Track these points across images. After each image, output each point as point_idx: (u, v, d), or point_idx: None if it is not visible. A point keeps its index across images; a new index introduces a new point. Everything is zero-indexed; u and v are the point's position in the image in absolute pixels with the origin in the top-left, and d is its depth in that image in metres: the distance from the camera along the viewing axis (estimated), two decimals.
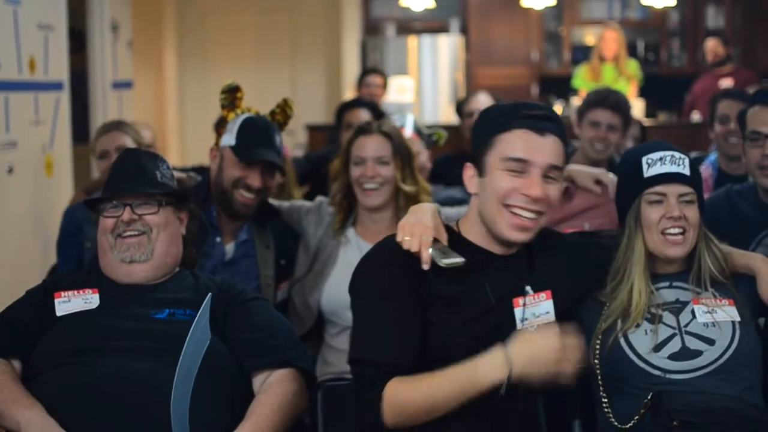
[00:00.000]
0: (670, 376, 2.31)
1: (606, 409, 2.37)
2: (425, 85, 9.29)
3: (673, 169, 2.41)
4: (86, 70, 6.68)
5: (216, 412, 2.32)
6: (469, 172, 2.31)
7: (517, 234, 2.23)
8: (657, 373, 2.32)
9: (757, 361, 2.39)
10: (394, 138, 3.23)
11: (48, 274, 4.08)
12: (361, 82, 7.16)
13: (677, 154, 2.43)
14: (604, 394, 2.38)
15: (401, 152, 3.22)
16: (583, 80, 7.96)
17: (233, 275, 3.04)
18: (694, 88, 8.39)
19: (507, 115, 2.26)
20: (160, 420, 2.21)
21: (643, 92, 8.56)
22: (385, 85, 7.17)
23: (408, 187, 3.19)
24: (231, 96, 3.18)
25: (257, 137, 3.13)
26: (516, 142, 2.22)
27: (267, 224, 3.24)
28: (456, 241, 2.30)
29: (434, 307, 2.21)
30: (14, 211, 4.95)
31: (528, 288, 2.30)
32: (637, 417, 2.29)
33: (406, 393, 2.11)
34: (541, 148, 2.22)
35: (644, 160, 2.44)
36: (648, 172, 2.43)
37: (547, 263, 2.36)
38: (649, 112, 8.79)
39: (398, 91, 8.33)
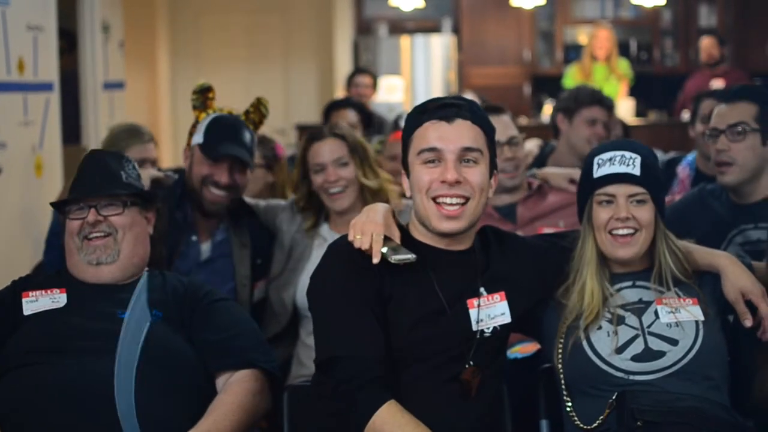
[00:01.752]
0: (633, 378, 2.31)
1: (569, 411, 2.37)
2: (418, 85, 9.31)
3: (622, 169, 2.39)
4: (77, 71, 6.70)
5: (178, 411, 2.33)
6: (404, 181, 2.38)
7: (446, 224, 2.26)
8: (620, 375, 2.32)
9: (722, 360, 2.38)
10: (348, 137, 3.24)
11: (32, 272, 4.10)
12: (349, 83, 7.15)
13: (628, 154, 2.41)
14: (568, 397, 2.38)
15: (357, 150, 3.24)
16: (573, 79, 7.97)
17: (210, 275, 3.06)
18: (686, 87, 8.40)
19: (417, 113, 2.33)
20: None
21: (636, 91, 8.59)
22: (374, 85, 7.16)
23: (369, 182, 3.21)
24: (202, 96, 3.18)
25: (224, 134, 3.13)
26: (426, 134, 2.28)
27: (244, 223, 3.25)
28: (406, 239, 2.33)
29: (389, 306, 2.24)
30: (3, 212, 4.97)
31: (482, 289, 2.32)
32: (601, 417, 2.29)
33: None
34: (451, 134, 2.26)
35: (595, 160, 2.44)
36: (597, 172, 2.42)
37: (503, 264, 2.38)
38: (639, 112, 8.81)
39: (388, 91, 8.34)
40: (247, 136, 3.17)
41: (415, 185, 2.29)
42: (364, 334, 2.19)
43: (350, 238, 2.27)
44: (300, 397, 2.55)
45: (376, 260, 2.21)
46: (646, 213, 2.40)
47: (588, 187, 2.45)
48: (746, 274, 2.40)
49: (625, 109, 8.15)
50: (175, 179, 3.37)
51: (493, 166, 2.36)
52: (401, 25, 9.66)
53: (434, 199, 2.26)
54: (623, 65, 8.28)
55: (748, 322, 2.37)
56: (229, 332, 2.50)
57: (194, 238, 3.19)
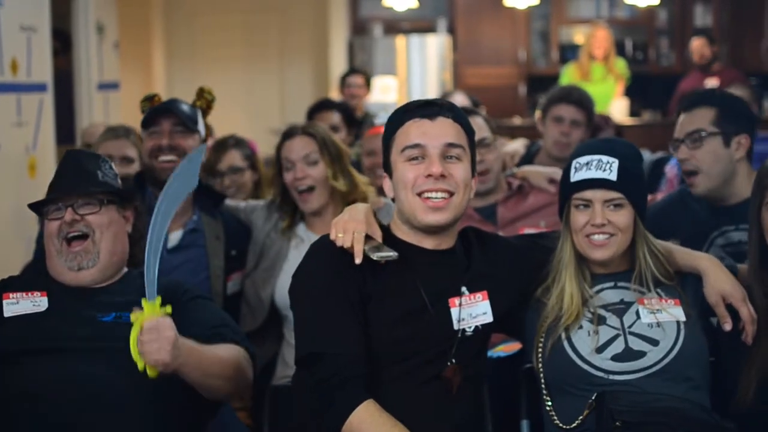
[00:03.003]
0: (613, 377, 2.31)
1: (549, 411, 2.37)
2: (413, 85, 9.31)
3: (598, 174, 2.38)
4: (72, 72, 6.71)
5: (161, 412, 2.34)
6: (385, 183, 2.39)
7: (432, 216, 2.28)
8: (600, 374, 2.32)
9: (703, 361, 2.38)
10: (318, 136, 3.26)
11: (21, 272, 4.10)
12: (342, 83, 7.14)
13: (605, 159, 2.39)
14: (548, 397, 2.38)
15: (329, 149, 3.25)
16: (570, 79, 7.95)
17: (181, 263, 3.11)
18: (680, 87, 8.40)
19: (399, 113, 2.36)
20: (106, 420, 2.25)
21: (631, 91, 8.58)
22: (367, 85, 7.15)
23: (338, 184, 3.23)
24: (150, 103, 3.31)
25: (157, 107, 3.28)
26: (409, 132, 2.31)
27: (217, 215, 3.31)
28: (388, 238, 2.34)
29: (370, 305, 2.25)
30: None
31: (464, 288, 2.33)
32: (580, 417, 2.29)
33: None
34: (434, 131, 2.30)
35: (573, 163, 2.44)
36: (574, 176, 2.42)
37: (485, 264, 2.39)
38: (633, 111, 8.81)
39: (382, 91, 8.34)
40: (184, 105, 3.27)
41: (400, 182, 2.31)
42: (345, 332, 2.21)
43: (332, 236, 2.29)
44: (281, 397, 2.55)
45: (358, 260, 2.23)
46: (623, 217, 2.39)
47: (566, 190, 2.45)
48: (727, 277, 2.40)
49: (620, 108, 8.15)
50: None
51: (474, 168, 2.37)
52: (396, 25, 9.66)
53: (419, 194, 2.28)
54: (621, 65, 8.27)
55: (727, 326, 2.37)
56: (210, 324, 2.49)
57: None
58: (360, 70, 7.61)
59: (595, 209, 2.38)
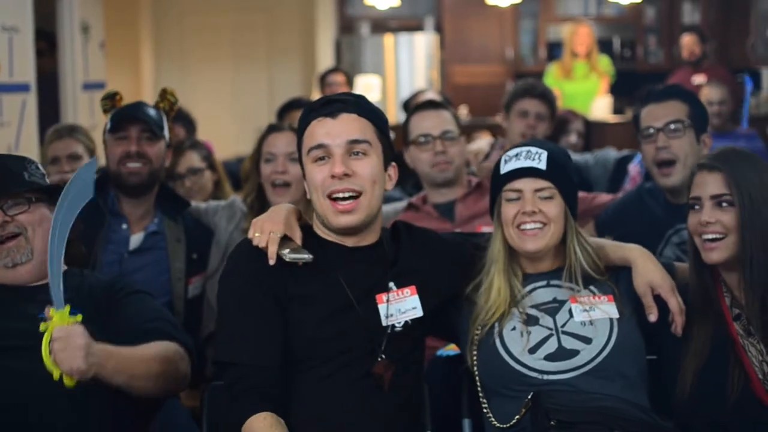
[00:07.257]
0: (547, 377, 2.29)
1: (486, 411, 2.36)
2: (402, 84, 9.32)
3: (527, 164, 2.37)
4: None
5: (96, 411, 2.35)
6: (306, 184, 2.38)
7: (342, 218, 2.27)
8: (534, 374, 2.30)
9: (638, 359, 2.36)
10: None
11: None
12: (323, 82, 7.13)
13: (534, 149, 2.39)
14: (484, 398, 2.37)
15: None
16: (554, 78, 7.96)
17: (142, 265, 3.12)
18: (667, 84, 8.42)
19: (305, 113, 2.35)
20: (44, 417, 2.27)
21: (619, 89, 8.57)
22: (348, 83, 7.14)
23: None
24: (111, 102, 3.30)
25: (126, 110, 3.26)
26: (313, 132, 2.30)
27: (179, 218, 3.32)
28: (311, 237, 2.35)
29: (291, 307, 2.25)
30: None
31: (391, 284, 2.32)
32: (517, 417, 2.28)
33: None
34: (336, 129, 2.28)
35: (503, 158, 2.43)
36: (503, 168, 2.41)
37: (414, 258, 2.38)
38: (617, 109, 8.82)
39: (364, 90, 8.33)
40: (151, 110, 3.27)
41: (311, 184, 2.31)
42: (250, 341, 2.21)
43: (250, 235, 2.30)
44: (219, 396, 2.52)
45: (271, 261, 2.23)
46: (553, 208, 2.38)
47: (496, 184, 2.44)
48: (656, 267, 2.39)
49: (603, 106, 8.16)
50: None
51: (389, 158, 2.36)
52: (384, 24, 9.68)
53: (329, 196, 2.28)
54: (604, 62, 8.27)
55: (653, 317, 2.35)
56: (146, 317, 2.48)
57: (124, 226, 3.25)
58: (340, 68, 7.59)
59: (525, 198, 2.37)
